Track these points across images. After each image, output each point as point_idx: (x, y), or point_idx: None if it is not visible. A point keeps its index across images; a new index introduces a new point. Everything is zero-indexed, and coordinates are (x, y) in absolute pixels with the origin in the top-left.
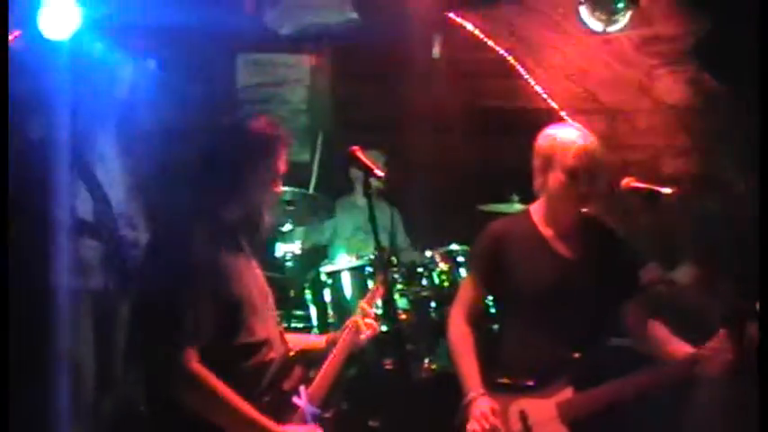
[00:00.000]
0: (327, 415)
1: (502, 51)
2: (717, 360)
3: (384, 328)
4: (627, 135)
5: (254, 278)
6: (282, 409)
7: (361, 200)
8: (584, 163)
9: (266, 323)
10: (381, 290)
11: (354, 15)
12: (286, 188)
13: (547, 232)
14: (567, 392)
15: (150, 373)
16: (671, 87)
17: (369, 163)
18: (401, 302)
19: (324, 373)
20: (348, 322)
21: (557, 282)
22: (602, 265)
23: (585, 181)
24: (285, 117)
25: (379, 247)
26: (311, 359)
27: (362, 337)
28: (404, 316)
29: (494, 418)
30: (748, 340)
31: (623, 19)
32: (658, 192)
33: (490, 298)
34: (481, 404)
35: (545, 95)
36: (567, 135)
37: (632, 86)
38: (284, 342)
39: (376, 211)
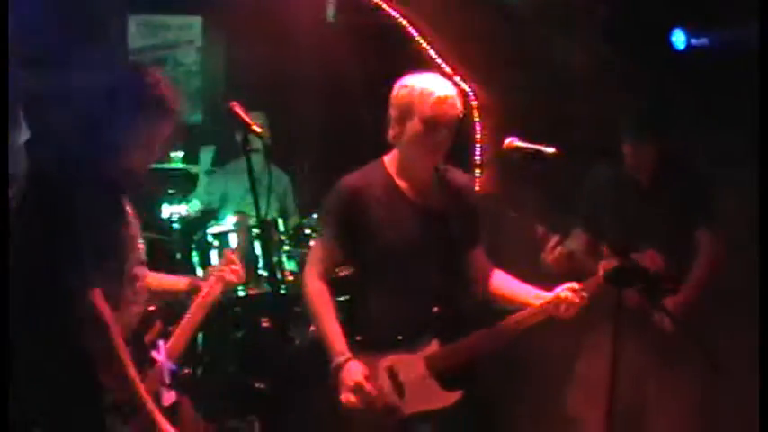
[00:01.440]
0: (186, 371)
1: (396, 14)
2: (570, 304)
3: (269, 289)
4: (522, 104)
5: (129, 235)
6: (142, 363)
7: (254, 162)
8: (444, 113)
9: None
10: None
11: None
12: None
13: (402, 184)
14: (434, 345)
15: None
16: (563, 56)
17: (247, 119)
18: (289, 264)
19: (182, 329)
20: (210, 271)
21: (415, 234)
22: (458, 216)
23: (443, 132)
24: (178, 79)
25: (256, 207)
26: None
27: (228, 279)
28: (291, 277)
29: (368, 386)
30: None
31: None
32: (541, 151)
33: None
34: (352, 370)
35: (439, 60)
36: (426, 84)
37: (527, 55)
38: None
39: (267, 175)
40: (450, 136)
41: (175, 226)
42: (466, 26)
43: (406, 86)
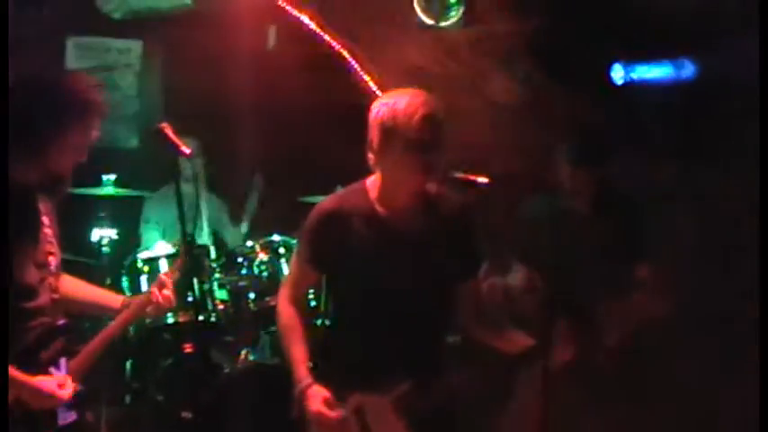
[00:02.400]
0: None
1: (336, 45)
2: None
3: (200, 318)
4: (459, 135)
5: (42, 244)
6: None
7: (185, 187)
8: (429, 131)
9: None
10: (174, 273)
11: (188, 1)
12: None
13: (384, 211)
14: (404, 387)
15: None
16: (503, 87)
17: (176, 140)
18: (220, 293)
19: (91, 347)
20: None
21: (392, 267)
22: (445, 246)
23: (430, 152)
24: (115, 103)
25: (183, 231)
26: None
27: (160, 306)
28: (221, 306)
29: (333, 413)
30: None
31: (456, 14)
32: (475, 181)
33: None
34: (314, 398)
35: (378, 92)
36: (408, 101)
37: (465, 85)
38: (56, 310)
39: (203, 200)
40: (438, 156)
41: (105, 250)
42: (403, 57)
43: (386, 105)
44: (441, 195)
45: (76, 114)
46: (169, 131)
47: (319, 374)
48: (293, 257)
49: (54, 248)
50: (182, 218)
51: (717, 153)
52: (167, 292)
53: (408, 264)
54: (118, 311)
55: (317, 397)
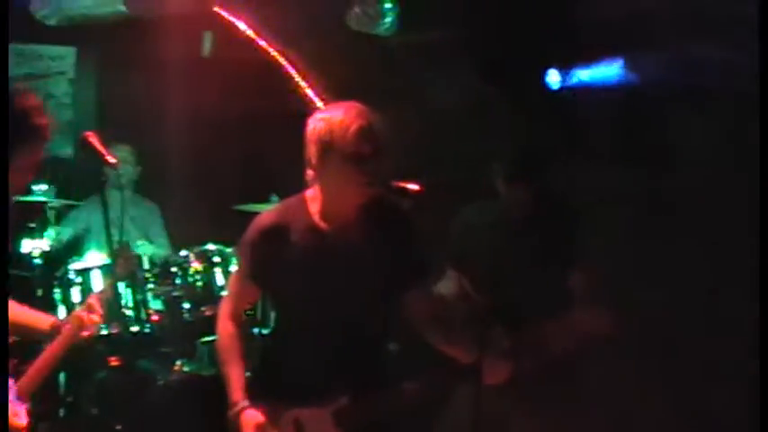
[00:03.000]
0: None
1: (272, 51)
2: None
3: (134, 329)
4: (396, 144)
5: None
6: None
7: (114, 195)
8: (367, 144)
9: None
10: (106, 293)
11: (123, 8)
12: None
13: (323, 224)
14: (344, 400)
15: None
16: (440, 95)
17: (101, 149)
18: (154, 303)
19: (36, 367)
20: (71, 316)
21: (331, 281)
22: (383, 258)
23: (369, 164)
24: (49, 110)
25: (109, 242)
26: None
27: (84, 333)
28: (156, 317)
29: None
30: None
31: (390, 20)
32: (406, 189)
33: None
34: (246, 422)
35: (315, 98)
36: (344, 115)
37: (402, 93)
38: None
39: (135, 208)
40: (378, 167)
41: (36, 261)
42: (339, 64)
43: (322, 120)
44: (382, 206)
45: (25, 139)
46: (94, 140)
47: (258, 387)
48: (233, 273)
49: None
50: (107, 229)
51: (655, 156)
52: (95, 317)
53: (349, 276)
54: (48, 333)
55: (249, 423)
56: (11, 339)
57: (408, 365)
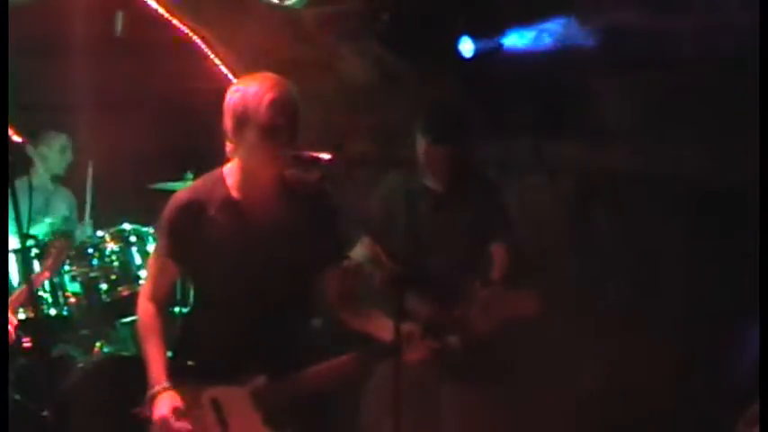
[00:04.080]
0: None
1: (185, 29)
2: (416, 347)
3: (53, 312)
4: (312, 116)
5: None
6: None
7: (37, 180)
8: (281, 116)
9: None
10: (43, 277)
11: None
12: None
13: (241, 198)
14: (261, 379)
15: None
16: (354, 67)
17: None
18: (72, 286)
19: None
20: None
21: (248, 256)
22: (303, 232)
23: (284, 136)
24: None
25: (19, 228)
26: None
27: None
28: (73, 299)
29: (176, 422)
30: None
31: None
32: (318, 158)
33: None
34: (162, 404)
35: (229, 75)
36: (258, 86)
37: (316, 66)
38: None
39: (54, 194)
40: (292, 139)
41: None
42: (252, 39)
43: (237, 91)
44: (299, 179)
45: None
46: None
47: (176, 367)
48: (152, 252)
49: None
50: (16, 211)
51: (573, 126)
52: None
53: (267, 251)
54: None
55: (166, 403)
56: None
57: (330, 343)
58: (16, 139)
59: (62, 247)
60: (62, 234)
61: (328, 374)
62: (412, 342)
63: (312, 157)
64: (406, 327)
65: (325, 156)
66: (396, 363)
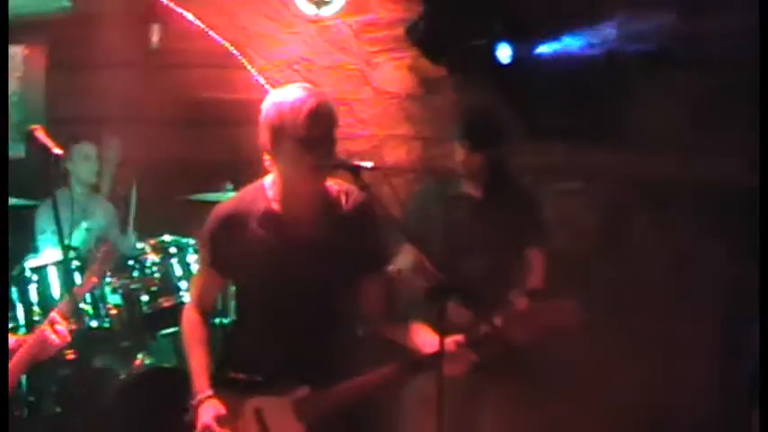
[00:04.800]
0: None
1: (222, 41)
2: (458, 360)
3: (94, 325)
4: (348, 125)
5: None
6: None
7: (76, 193)
8: (319, 127)
9: None
10: (91, 283)
11: (68, 3)
12: None
13: (281, 210)
14: (304, 390)
15: None
16: (390, 75)
17: (47, 142)
18: (113, 298)
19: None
20: (34, 333)
21: (289, 267)
22: (345, 243)
23: (322, 147)
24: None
25: (61, 240)
26: None
27: (52, 344)
28: (114, 311)
29: (218, 429)
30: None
31: (337, 2)
32: (359, 166)
33: None
34: (205, 412)
35: (266, 86)
36: (294, 98)
37: (352, 75)
38: None
39: (93, 204)
40: (330, 150)
41: None
42: (289, 50)
43: (273, 104)
44: (340, 190)
45: None
46: (40, 134)
47: (220, 377)
48: (198, 263)
49: None
50: (58, 223)
51: (607, 132)
52: (61, 327)
53: (308, 262)
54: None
55: (209, 411)
56: None
57: (372, 353)
58: (57, 151)
59: (108, 250)
60: (105, 240)
61: (369, 385)
62: (453, 354)
63: (353, 165)
64: (448, 338)
65: (367, 164)
66: (438, 374)
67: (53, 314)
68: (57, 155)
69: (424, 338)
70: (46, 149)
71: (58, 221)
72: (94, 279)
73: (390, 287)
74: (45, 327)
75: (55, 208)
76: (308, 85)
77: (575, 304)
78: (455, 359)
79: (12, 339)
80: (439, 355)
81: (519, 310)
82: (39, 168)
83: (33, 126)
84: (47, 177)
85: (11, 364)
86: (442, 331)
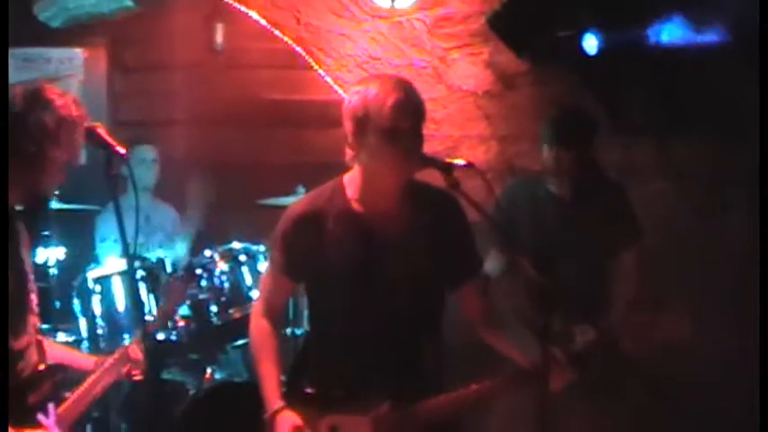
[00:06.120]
0: None
1: (289, 41)
2: (558, 375)
3: (161, 337)
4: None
5: (22, 274)
6: (24, 423)
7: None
8: (406, 118)
9: (26, 329)
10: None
11: (130, 3)
12: None
13: (362, 209)
14: (385, 407)
15: None
16: (466, 72)
17: (109, 140)
18: (180, 309)
19: (78, 396)
20: (119, 350)
21: (371, 272)
22: (435, 246)
23: (409, 140)
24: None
25: (125, 248)
26: (67, 377)
27: (128, 369)
28: (182, 323)
29: None
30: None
31: None
32: (452, 164)
33: None
34: (283, 424)
35: (335, 86)
36: (379, 88)
37: (426, 73)
38: (40, 352)
39: (154, 210)
40: (418, 143)
41: (52, 272)
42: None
43: (357, 93)
44: (428, 188)
45: (61, 130)
46: (102, 131)
47: (293, 391)
48: (266, 268)
49: (33, 284)
50: (121, 228)
51: (700, 126)
52: (137, 364)
53: (393, 267)
54: (93, 371)
55: (286, 423)
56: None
57: (459, 369)
58: (120, 150)
59: (180, 285)
60: (178, 277)
61: (461, 402)
62: (556, 368)
63: (445, 163)
64: (552, 351)
65: (460, 162)
66: (542, 390)
67: (130, 350)
68: (121, 154)
69: (527, 348)
70: (108, 148)
71: (122, 228)
72: (168, 314)
73: (485, 294)
74: (130, 348)
75: (118, 213)
76: (394, 75)
77: (683, 318)
78: (558, 373)
79: (91, 359)
80: (545, 369)
81: (628, 321)
82: (100, 171)
83: (93, 123)
84: (109, 181)
85: (94, 380)
86: (548, 342)
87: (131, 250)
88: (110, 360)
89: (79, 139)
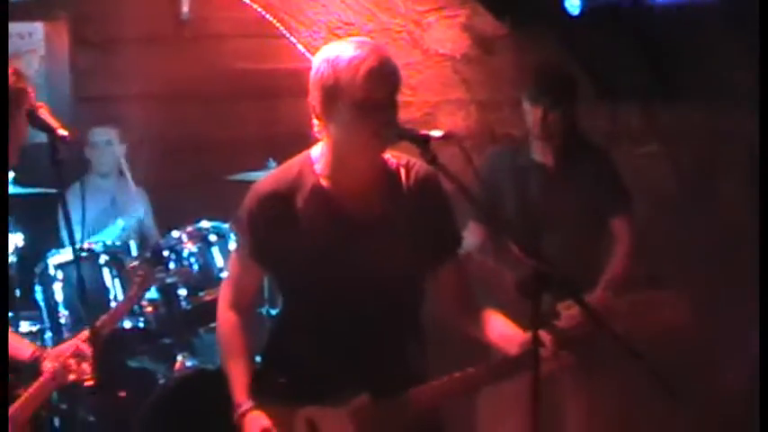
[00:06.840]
0: None
1: (258, 8)
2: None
3: (128, 325)
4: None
5: None
6: None
7: (103, 180)
8: (380, 88)
9: None
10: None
11: None
12: None
13: (332, 187)
14: (364, 398)
15: None
16: (442, 36)
17: (51, 122)
18: (147, 294)
19: (29, 395)
20: (59, 362)
21: (344, 253)
22: (411, 224)
23: (384, 112)
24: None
25: (71, 238)
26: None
27: (70, 378)
28: (150, 308)
29: None
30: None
31: None
32: (428, 135)
33: None
34: (250, 425)
35: (307, 53)
36: (352, 54)
37: (401, 37)
38: None
39: (120, 191)
40: (393, 115)
41: (12, 259)
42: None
43: (326, 60)
44: (401, 163)
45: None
46: (44, 113)
47: (266, 381)
48: (232, 252)
49: None
50: (66, 215)
51: (688, 89)
52: (86, 366)
53: (366, 247)
54: (28, 363)
55: (254, 426)
56: None
57: (444, 356)
58: (62, 132)
59: (146, 275)
60: (145, 260)
61: (445, 392)
62: (544, 352)
63: (421, 135)
64: (538, 335)
65: (437, 133)
66: (534, 377)
67: (81, 345)
68: (63, 137)
69: (508, 334)
70: (51, 132)
71: (67, 217)
72: (128, 305)
73: (465, 274)
74: (70, 360)
75: (63, 202)
76: (367, 40)
77: (682, 298)
78: (547, 359)
79: (29, 348)
80: (534, 355)
81: (620, 301)
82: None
83: (36, 103)
84: (54, 167)
85: (34, 389)
86: (537, 326)
87: (77, 236)
88: (49, 369)
89: (19, 115)
